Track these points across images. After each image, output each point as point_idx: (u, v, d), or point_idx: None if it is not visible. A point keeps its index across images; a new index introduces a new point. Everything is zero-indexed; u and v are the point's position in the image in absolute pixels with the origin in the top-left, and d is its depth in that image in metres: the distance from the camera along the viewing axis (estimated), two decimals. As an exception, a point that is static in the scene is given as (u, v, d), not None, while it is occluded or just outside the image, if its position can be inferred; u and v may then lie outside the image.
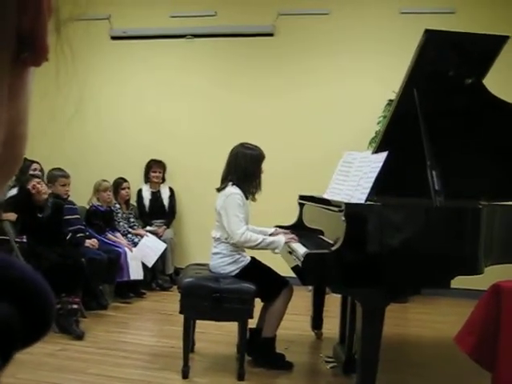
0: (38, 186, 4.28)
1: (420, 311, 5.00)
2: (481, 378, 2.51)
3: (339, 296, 3.79)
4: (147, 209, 6.16)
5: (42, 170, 5.30)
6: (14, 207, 4.28)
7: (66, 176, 5.12)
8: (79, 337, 3.93)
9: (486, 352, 2.24)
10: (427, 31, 2.88)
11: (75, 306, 4.11)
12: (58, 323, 3.99)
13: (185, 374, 3.27)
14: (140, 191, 6.19)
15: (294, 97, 6.19)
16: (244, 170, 3.47)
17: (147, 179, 6.22)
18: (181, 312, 3.31)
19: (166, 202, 6.22)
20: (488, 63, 3.12)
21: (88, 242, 4.83)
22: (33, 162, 5.30)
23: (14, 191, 4.89)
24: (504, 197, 3.55)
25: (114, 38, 6.57)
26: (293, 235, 3.44)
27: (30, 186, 4.27)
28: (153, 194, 6.20)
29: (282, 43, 6.22)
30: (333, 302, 4.13)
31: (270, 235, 3.56)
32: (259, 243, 3.35)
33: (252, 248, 3.40)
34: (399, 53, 4.68)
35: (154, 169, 6.18)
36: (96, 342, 3.89)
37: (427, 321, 4.78)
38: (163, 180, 6.27)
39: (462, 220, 2.81)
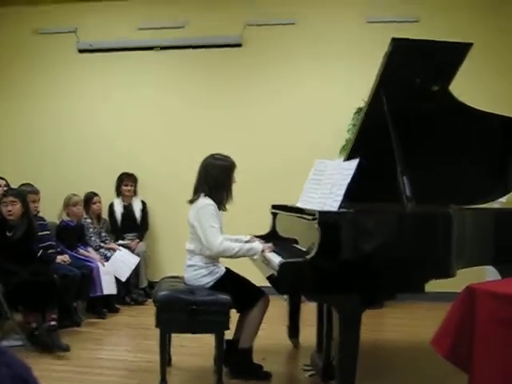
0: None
1: (396, 316, 5.04)
2: (458, 379, 2.53)
3: (315, 304, 3.80)
4: (119, 222, 6.10)
5: (7, 185, 5.20)
6: None
7: (36, 192, 5.05)
8: (66, 349, 3.89)
9: (462, 354, 2.27)
10: (394, 40, 2.93)
11: (53, 323, 4.04)
12: (38, 342, 3.92)
13: (163, 389, 3.24)
14: (112, 205, 6.13)
15: (264, 106, 6.22)
16: (215, 180, 3.46)
17: (119, 193, 6.16)
18: (157, 326, 3.27)
19: (138, 215, 6.17)
20: (453, 70, 3.18)
21: (59, 258, 4.75)
22: (-2, 178, 5.21)
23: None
24: (474, 200, 3.61)
25: (81, 51, 6.51)
26: (269, 244, 3.44)
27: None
28: (125, 207, 6.15)
29: (250, 53, 6.25)
30: (309, 310, 4.14)
31: (246, 242, 3.56)
32: (237, 252, 3.34)
33: (230, 257, 3.39)
34: (367, 61, 4.73)
35: (126, 182, 6.14)
36: (71, 360, 3.82)
37: (403, 325, 4.82)
38: (135, 193, 6.22)
39: (433, 224, 2.85)
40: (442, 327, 2.36)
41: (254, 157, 5.95)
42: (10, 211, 4.25)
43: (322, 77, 6.11)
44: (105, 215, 6.08)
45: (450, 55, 3.08)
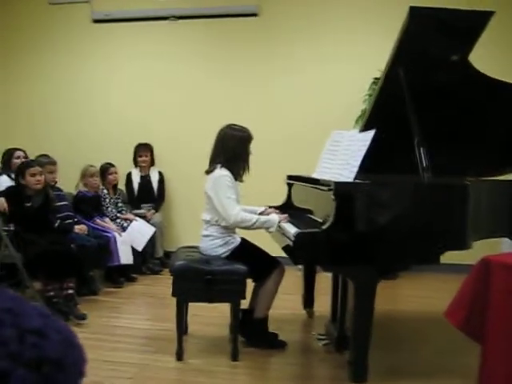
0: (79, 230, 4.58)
1: (409, 287, 5.07)
2: (471, 350, 2.55)
3: (329, 274, 3.83)
4: (136, 192, 6.15)
5: (26, 157, 5.25)
6: (5, 197, 4.29)
7: (53, 163, 5.09)
8: (83, 318, 3.98)
9: (476, 325, 2.28)
10: (412, 8, 2.88)
11: (70, 291, 4.12)
12: (56, 310, 4.00)
13: (179, 356, 3.30)
14: (129, 175, 6.17)
15: (279, 77, 6.17)
16: (232, 151, 3.46)
17: (136, 163, 6.20)
18: (173, 295, 3.32)
19: (155, 186, 6.21)
20: (473, 39, 3.13)
21: (77, 228, 4.82)
22: (16, 149, 5.27)
23: (3, 179, 4.89)
24: (490, 173, 3.59)
25: (95, 21, 6.49)
26: (285, 214, 3.45)
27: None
28: (142, 178, 6.18)
29: (265, 23, 6.18)
30: (323, 280, 4.18)
31: (260, 214, 3.57)
32: (254, 223, 3.35)
33: (247, 228, 3.40)
34: (384, 31, 4.67)
35: (141, 153, 6.16)
36: (89, 328, 3.90)
37: (417, 296, 4.84)
38: (152, 163, 6.24)
39: (449, 196, 2.84)
40: (456, 299, 2.37)
41: (269, 128, 5.93)
42: (38, 181, 4.32)
43: (338, 47, 6.04)
44: (122, 185, 6.13)
45: (471, 24, 3.02)
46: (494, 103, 3.37)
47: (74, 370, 0.44)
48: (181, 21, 6.33)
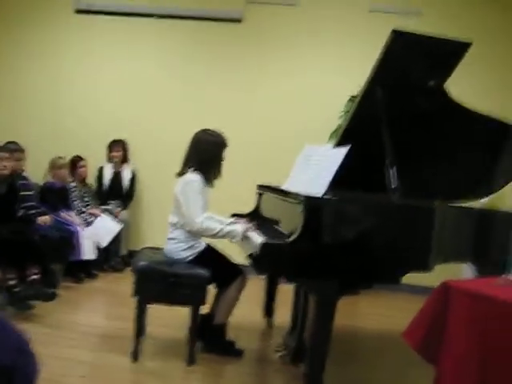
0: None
1: (370, 305, 5.11)
2: (426, 372, 2.59)
3: (291, 285, 3.84)
4: (106, 188, 6.08)
5: (-5, 143, 5.15)
6: None
7: (21, 150, 5.01)
8: (52, 296, 3.98)
9: (432, 347, 2.31)
10: (394, 31, 2.92)
11: (35, 277, 4.07)
12: (17, 299, 3.92)
13: (135, 357, 3.26)
14: (101, 169, 6.11)
15: (258, 85, 6.19)
16: (205, 155, 3.45)
17: (109, 158, 6.13)
18: (134, 295, 3.29)
19: (126, 183, 6.16)
20: (451, 67, 3.18)
21: (40, 220, 4.73)
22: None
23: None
24: (458, 198, 3.65)
25: (78, 11, 6.41)
26: (250, 224, 3.45)
27: None
28: (114, 174, 6.12)
29: (248, 30, 6.19)
30: (285, 291, 4.18)
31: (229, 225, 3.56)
32: (217, 232, 3.35)
33: (209, 237, 3.40)
34: (365, 49, 4.73)
35: (113, 148, 6.10)
36: (45, 322, 3.83)
37: (376, 314, 4.89)
38: (126, 161, 6.18)
39: (415, 218, 2.87)
40: (414, 320, 2.40)
41: (245, 134, 5.94)
42: (5, 166, 4.22)
43: (319, 61, 6.09)
44: (93, 179, 6.06)
45: (449, 52, 3.08)
46: (466, 131, 3.43)
47: (23, 380, 0.43)
48: (164, 20, 6.30)
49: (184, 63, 6.33)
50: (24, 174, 5.03)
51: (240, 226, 3.39)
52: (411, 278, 2.90)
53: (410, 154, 3.26)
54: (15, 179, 4.49)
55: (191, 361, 3.28)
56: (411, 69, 3.11)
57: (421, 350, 2.35)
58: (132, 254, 5.59)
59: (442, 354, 2.23)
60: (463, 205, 3.65)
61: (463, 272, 4.72)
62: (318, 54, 6.10)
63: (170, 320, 3.99)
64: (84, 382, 2.94)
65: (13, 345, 0.40)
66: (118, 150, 6.11)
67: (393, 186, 2.98)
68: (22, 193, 4.61)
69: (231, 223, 3.53)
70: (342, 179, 2.98)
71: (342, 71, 5.90)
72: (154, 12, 6.30)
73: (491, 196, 3.87)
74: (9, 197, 4.31)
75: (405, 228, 2.84)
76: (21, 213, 4.42)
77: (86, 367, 3.12)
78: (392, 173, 3.02)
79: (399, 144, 3.08)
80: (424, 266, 2.87)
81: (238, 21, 6.21)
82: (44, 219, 4.77)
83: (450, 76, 3.24)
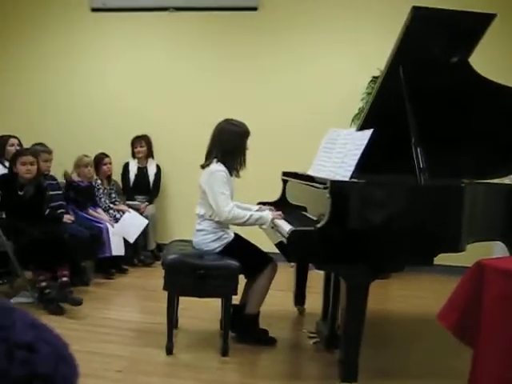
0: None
1: (402, 287, 5.06)
2: (462, 353, 2.55)
3: (321, 272, 3.82)
4: (132, 184, 6.12)
5: (20, 145, 5.21)
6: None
7: (49, 152, 5.06)
8: (79, 302, 3.95)
9: (468, 329, 2.28)
10: (414, 8, 2.86)
11: (65, 279, 4.08)
12: (48, 300, 3.97)
13: (169, 350, 3.28)
14: (127, 165, 6.14)
15: (279, 73, 6.14)
16: (228, 145, 3.43)
17: (134, 154, 6.16)
18: (165, 288, 3.30)
19: (151, 178, 6.18)
20: (474, 41, 3.11)
21: (66, 218, 4.80)
22: (10, 136, 5.22)
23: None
24: (486, 175, 3.58)
25: (94, 9, 6.43)
26: (279, 211, 3.44)
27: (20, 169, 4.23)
28: (139, 169, 6.15)
29: (265, 18, 6.14)
30: (315, 278, 4.16)
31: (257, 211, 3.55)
32: (247, 220, 3.33)
33: (239, 225, 3.39)
34: (385, 30, 4.66)
35: (137, 144, 6.12)
36: (79, 319, 3.87)
37: (409, 297, 4.84)
38: (150, 156, 6.20)
39: (445, 198, 2.83)
40: (449, 302, 2.37)
41: (266, 123, 5.90)
42: (29, 170, 4.26)
43: (336, 47, 6.02)
44: (118, 175, 6.10)
45: (472, 26, 3.01)
46: (492, 106, 3.36)
47: None
48: (180, 12, 6.29)
49: (201, 55, 6.30)
50: (51, 174, 5.09)
51: (269, 212, 3.39)
52: (443, 259, 2.86)
53: (435, 133, 3.21)
54: (42, 180, 4.53)
55: (225, 352, 3.29)
56: (433, 45, 3.05)
57: (456, 332, 2.32)
58: (161, 247, 5.62)
59: (478, 335, 2.20)
60: (492, 181, 3.58)
61: (494, 251, 4.65)
62: (333, 39, 6.02)
63: (202, 312, 4.01)
64: (121, 376, 2.97)
65: (53, 351, 0.39)
66: (142, 145, 6.12)
67: (420, 166, 2.94)
68: (49, 193, 4.66)
69: (259, 210, 3.53)
70: (367, 162, 2.95)
71: (362, 53, 5.82)
72: (169, 5, 6.28)
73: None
74: (37, 198, 4.35)
75: (434, 209, 2.80)
76: (47, 212, 4.47)
77: (121, 362, 3.15)
78: (419, 153, 2.97)
79: (424, 123, 3.04)
80: (455, 246, 2.83)
81: (253, 9, 6.16)
82: (69, 217, 4.83)
83: (474, 50, 3.16)
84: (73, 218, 4.87)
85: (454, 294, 2.35)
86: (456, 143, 3.45)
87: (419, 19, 2.86)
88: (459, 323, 2.28)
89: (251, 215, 3.35)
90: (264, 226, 3.36)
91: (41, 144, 5.16)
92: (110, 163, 5.82)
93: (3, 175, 4.45)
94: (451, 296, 2.36)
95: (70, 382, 0.41)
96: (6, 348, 0.37)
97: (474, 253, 3.03)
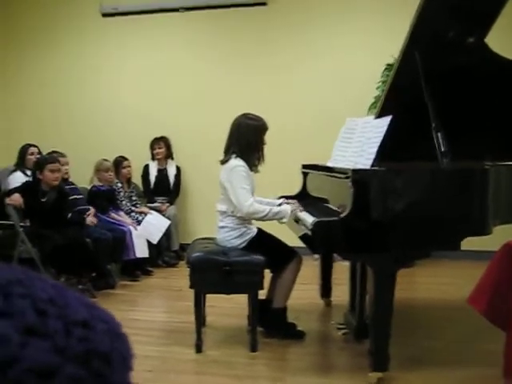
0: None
1: (427, 274, 5.02)
2: (495, 337, 2.52)
3: (346, 264, 3.80)
4: (152, 185, 6.15)
5: (40, 153, 5.26)
6: (22, 193, 4.29)
7: (64, 155, 5.12)
8: None
9: (500, 311, 2.24)
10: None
11: (80, 286, 4.12)
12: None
13: (198, 348, 3.29)
14: (147, 167, 6.17)
15: (292, 67, 6.12)
16: (247, 140, 3.42)
17: (153, 156, 6.19)
18: (191, 287, 3.30)
19: (171, 179, 6.20)
20: (490, 21, 3.07)
21: (88, 220, 4.81)
22: (30, 145, 5.28)
23: (18, 175, 4.91)
24: (506, 156, 3.53)
25: (104, 15, 6.47)
26: (298, 204, 3.43)
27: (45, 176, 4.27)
28: (159, 171, 6.18)
29: (274, 13, 6.12)
30: (340, 269, 4.14)
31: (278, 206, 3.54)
32: (266, 214, 3.33)
33: (260, 219, 3.39)
34: (394, 17, 4.61)
35: (156, 146, 6.14)
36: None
37: (435, 283, 4.80)
38: (169, 156, 6.22)
39: (469, 181, 2.79)
40: (479, 285, 2.34)
41: (282, 118, 5.87)
42: (56, 178, 4.33)
43: (348, 39, 5.98)
44: (138, 177, 6.13)
45: (487, 6, 2.97)
46: (510, 86, 3.31)
47: (121, 364, 0.41)
48: (190, 12, 6.30)
49: (214, 52, 6.30)
50: (70, 180, 5.14)
51: (288, 206, 3.38)
52: (470, 243, 2.83)
53: (454, 116, 3.17)
54: (62, 185, 4.58)
55: (254, 347, 3.28)
56: (448, 27, 3.02)
57: (488, 314, 2.29)
58: (184, 247, 5.63)
59: (510, 318, 2.17)
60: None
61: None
62: (345, 31, 5.99)
63: (229, 308, 4.01)
64: (152, 376, 2.98)
65: (109, 329, 0.39)
66: (161, 146, 6.14)
67: (441, 151, 2.91)
68: (72, 197, 4.70)
69: (280, 204, 3.52)
70: (386, 150, 2.92)
71: (374, 43, 5.77)
72: (179, 5, 6.29)
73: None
74: (59, 203, 4.39)
75: (458, 193, 2.77)
76: (70, 215, 4.51)
77: (151, 361, 3.16)
78: (439, 137, 2.94)
79: (442, 107, 3.00)
80: (482, 229, 2.79)
81: (263, 4, 6.14)
82: (92, 219, 4.85)
83: (489, 30, 3.12)
84: (95, 221, 4.89)
85: (484, 276, 2.32)
86: (476, 125, 3.40)
87: (432, 1, 2.83)
88: (490, 306, 2.25)
89: (270, 209, 3.34)
90: (284, 220, 3.34)
91: (55, 152, 5.21)
92: (130, 166, 5.85)
93: (27, 183, 4.49)
94: (481, 278, 2.33)
95: (126, 360, 0.41)
96: (63, 325, 0.37)
97: (502, 236, 2.98)
